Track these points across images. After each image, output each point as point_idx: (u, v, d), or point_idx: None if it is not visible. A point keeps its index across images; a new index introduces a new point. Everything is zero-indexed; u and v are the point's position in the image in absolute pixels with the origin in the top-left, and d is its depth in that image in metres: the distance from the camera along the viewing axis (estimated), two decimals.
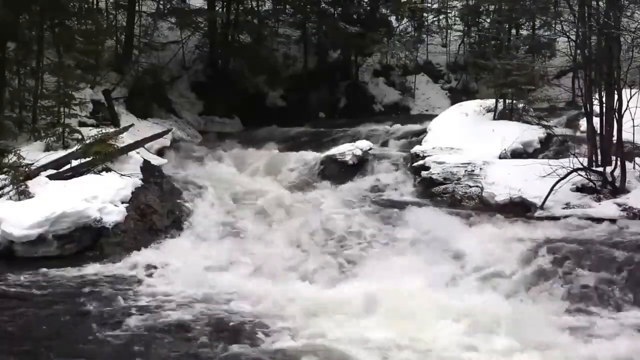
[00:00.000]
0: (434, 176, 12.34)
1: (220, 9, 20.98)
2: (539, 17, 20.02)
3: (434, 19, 24.45)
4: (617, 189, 10.75)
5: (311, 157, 14.16)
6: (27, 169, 10.30)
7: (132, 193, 10.43)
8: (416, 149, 13.53)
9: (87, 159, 10.89)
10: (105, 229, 9.57)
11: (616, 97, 11.04)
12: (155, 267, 8.76)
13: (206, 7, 20.55)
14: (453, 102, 18.57)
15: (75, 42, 14.67)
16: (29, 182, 10.03)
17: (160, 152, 14.05)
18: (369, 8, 22.47)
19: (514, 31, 20.06)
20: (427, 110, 20.61)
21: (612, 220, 10.00)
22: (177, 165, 13.86)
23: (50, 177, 10.50)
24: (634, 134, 11.09)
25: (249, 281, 8.12)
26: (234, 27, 20.93)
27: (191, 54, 21.17)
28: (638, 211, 10.14)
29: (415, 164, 13.06)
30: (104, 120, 14.39)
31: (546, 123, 14.16)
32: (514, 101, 14.58)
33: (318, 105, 21.05)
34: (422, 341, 6.50)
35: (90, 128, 12.56)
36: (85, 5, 16.38)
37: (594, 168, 11.17)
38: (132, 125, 14.03)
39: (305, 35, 21.90)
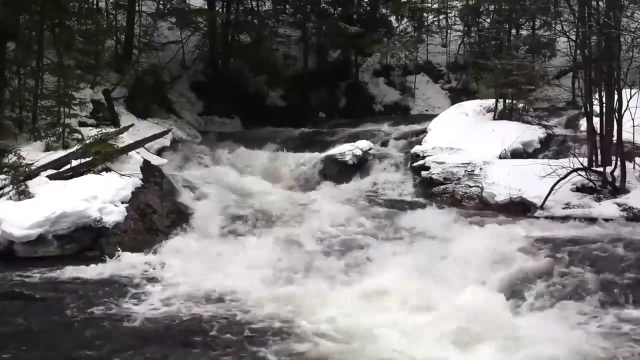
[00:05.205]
0: (434, 176, 12.35)
1: (220, 9, 20.99)
2: (539, 17, 20.03)
3: (434, 19, 24.48)
4: (617, 189, 10.75)
5: (311, 157, 14.16)
6: (27, 169, 10.29)
7: (132, 193, 10.41)
8: (416, 149, 13.53)
9: (87, 159, 10.88)
10: (105, 229, 9.56)
11: (616, 97, 11.04)
12: (155, 267, 8.76)
13: (206, 7, 20.57)
14: (453, 102, 18.60)
15: (75, 42, 14.67)
16: (29, 182, 10.02)
17: (160, 152, 14.05)
18: (369, 8, 22.50)
19: (514, 31, 20.06)
20: (427, 110, 20.64)
21: (612, 220, 10.02)
22: (177, 165, 13.86)
23: (50, 177, 10.49)
24: (634, 134, 11.11)
25: (249, 281, 8.10)
26: (234, 27, 20.95)
27: (191, 54, 21.19)
28: (638, 211, 10.15)
29: (415, 164, 13.07)
30: (104, 120, 14.39)
31: (546, 123, 14.18)
32: (514, 101, 14.59)
33: (318, 105, 21.08)
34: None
35: (90, 128, 12.55)
36: (85, 5, 16.42)
37: (594, 168, 11.18)
38: (132, 125, 14.02)
39: (305, 35, 21.93)
